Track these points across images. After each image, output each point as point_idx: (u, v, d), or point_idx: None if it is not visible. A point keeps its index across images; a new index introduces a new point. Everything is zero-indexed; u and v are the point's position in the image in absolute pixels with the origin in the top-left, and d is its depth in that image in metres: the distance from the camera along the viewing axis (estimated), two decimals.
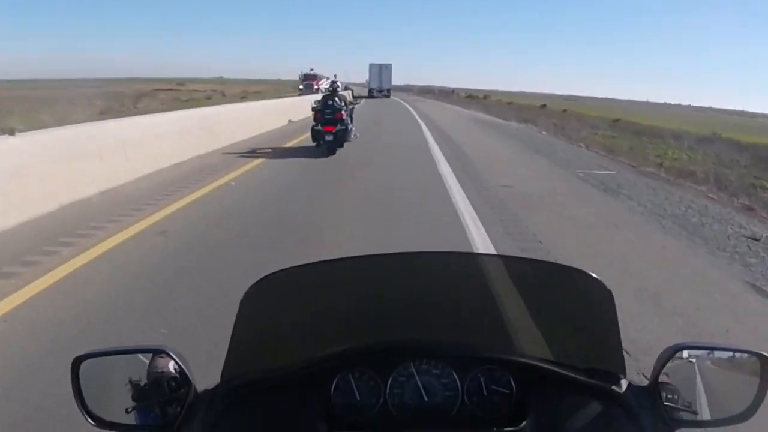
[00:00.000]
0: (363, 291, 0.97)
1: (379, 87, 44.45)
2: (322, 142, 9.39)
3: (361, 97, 24.30)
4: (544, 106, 45.46)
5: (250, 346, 0.88)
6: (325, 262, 0.93)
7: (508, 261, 1.07)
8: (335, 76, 10.47)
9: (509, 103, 44.85)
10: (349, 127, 9.73)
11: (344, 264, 0.96)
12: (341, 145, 9.64)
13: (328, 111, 9.42)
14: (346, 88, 14.81)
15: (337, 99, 9.63)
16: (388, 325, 0.92)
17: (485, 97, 65.40)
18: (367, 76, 45.75)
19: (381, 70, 44.48)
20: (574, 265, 0.94)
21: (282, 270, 0.89)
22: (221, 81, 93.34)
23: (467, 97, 67.13)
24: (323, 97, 9.82)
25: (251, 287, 0.87)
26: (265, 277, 0.88)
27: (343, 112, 9.45)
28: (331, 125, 9.32)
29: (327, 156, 9.29)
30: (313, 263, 0.93)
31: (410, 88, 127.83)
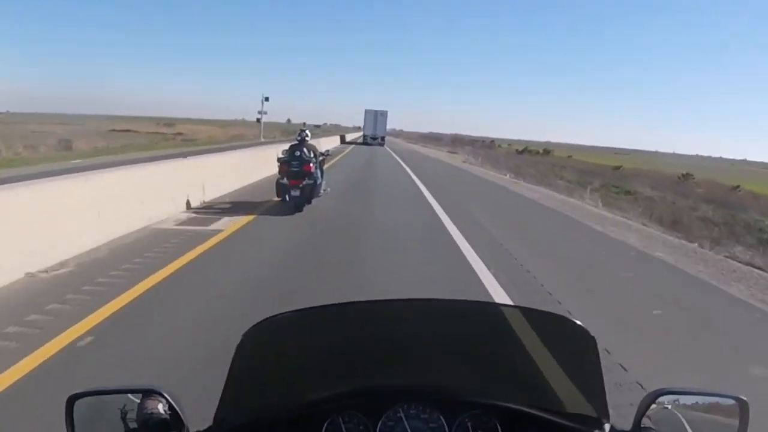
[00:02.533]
0: (354, 336, 1.01)
1: (374, 134, 44.26)
2: (287, 198, 8.46)
3: (352, 143, 25.01)
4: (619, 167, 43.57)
5: (244, 388, 0.90)
6: (320, 307, 0.97)
7: (494, 308, 1.20)
8: (304, 124, 9.64)
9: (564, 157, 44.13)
10: (318, 181, 8.81)
11: (337, 310, 1.01)
12: (309, 202, 8.69)
13: (295, 163, 8.59)
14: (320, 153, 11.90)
15: (305, 149, 8.79)
16: (378, 370, 0.96)
17: (546, 152, 62.07)
18: (362, 121, 46.15)
19: (376, 117, 44.45)
20: (560, 313, 1.00)
21: (278, 315, 0.93)
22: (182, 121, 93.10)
23: (521, 152, 61.25)
24: (290, 147, 8.97)
25: (248, 331, 0.90)
26: (261, 321, 0.91)
27: (311, 164, 8.59)
28: (298, 179, 8.44)
29: (293, 213, 8.33)
30: (308, 309, 0.96)
31: (409, 135, 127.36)
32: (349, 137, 51.45)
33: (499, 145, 71.68)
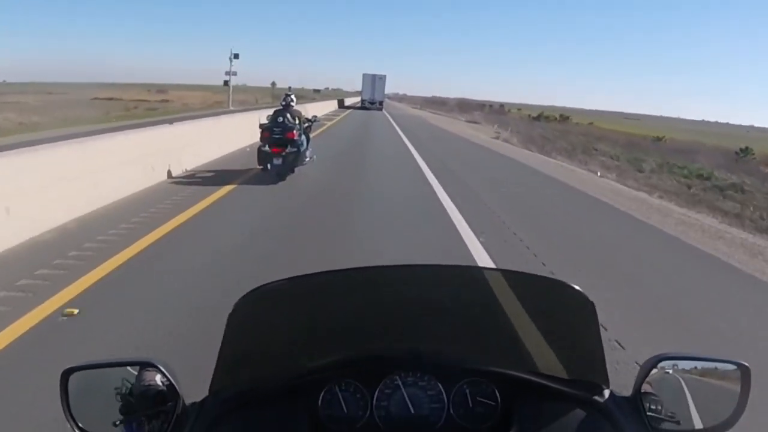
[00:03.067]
0: (350, 304, 0.99)
1: (372, 98, 43.47)
2: (269, 166, 8.00)
3: (350, 107, 24.03)
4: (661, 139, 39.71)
5: (238, 358, 0.89)
6: (312, 275, 0.94)
7: (492, 273, 1.12)
8: (289, 88, 9.07)
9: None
10: (302, 149, 8.33)
11: (331, 277, 0.98)
12: (292, 171, 8.25)
13: (277, 130, 8.08)
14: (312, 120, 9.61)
15: (289, 116, 8.25)
16: (375, 338, 0.95)
17: (564, 118, 56.10)
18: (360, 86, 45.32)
19: (374, 81, 43.40)
20: (559, 278, 0.97)
21: (270, 283, 0.90)
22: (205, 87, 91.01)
23: (536, 118, 54.63)
24: (274, 112, 8.43)
25: (240, 300, 0.88)
26: (253, 290, 0.89)
27: (295, 131, 8.07)
28: (280, 146, 7.96)
29: (276, 182, 7.89)
30: (301, 276, 0.93)
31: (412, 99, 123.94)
32: (348, 101, 50.27)
33: (509, 110, 66.12)
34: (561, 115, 62.63)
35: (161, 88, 65.91)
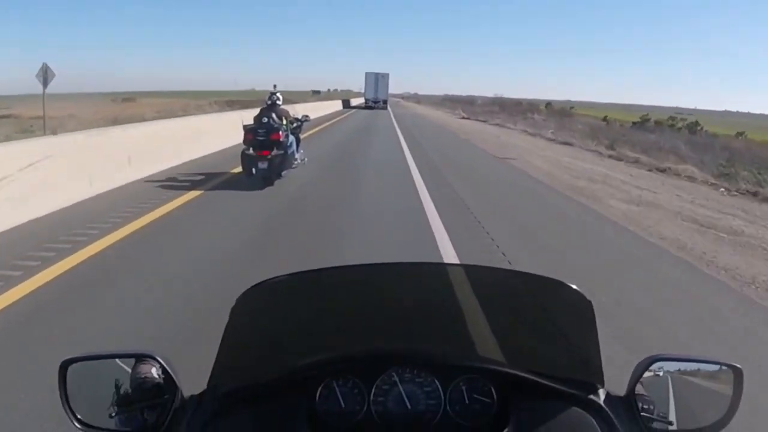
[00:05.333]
0: (349, 300, 1.02)
1: (375, 98, 43.27)
2: (254, 171, 7.41)
3: (354, 107, 22.13)
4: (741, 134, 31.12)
5: (238, 353, 0.91)
6: (314, 271, 0.97)
7: (490, 272, 1.15)
8: (274, 86, 8.47)
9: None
10: (290, 151, 7.76)
11: (332, 273, 1.02)
12: (279, 175, 7.66)
13: (261, 131, 7.61)
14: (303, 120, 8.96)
15: (274, 116, 7.74)
16: (373, 334, 0.97)
17: (694, 126, 32.96)
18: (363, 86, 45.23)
19: (377, 80, 43.25)
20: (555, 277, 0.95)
21: (271, 279, 0.93)
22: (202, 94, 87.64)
23: (641, 123, 37.37)
24: (259, 112, 7.90)
25: (242, 295, 0.90)
26: (255, 285, 0.91)
27: (281, 132, 7.55)
28: (265, 149, 7.41)
29: (263, 188, 7.44)
30: (302, 272, 0.96)
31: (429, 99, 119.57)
32: (356, 101, 49.61)
33: (572, 109, 52.95)
34: (689, 122, 41.78)
35: (129, 97, 62.25)
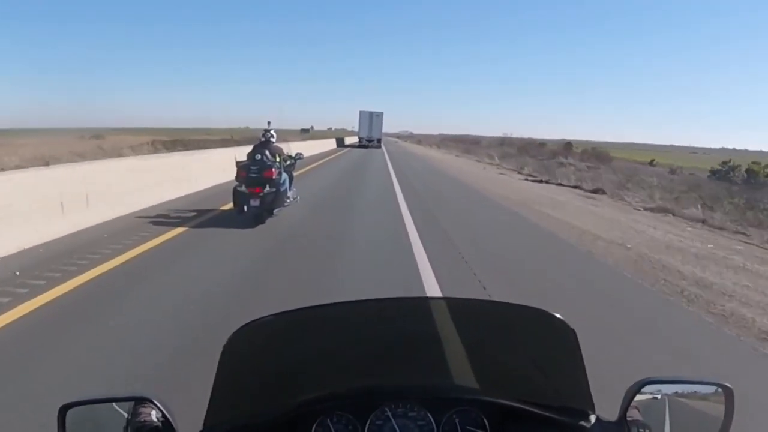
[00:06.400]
0: (338, 336, 1.02)
1: (369, 136, 43.53)
2: (245, 208, 7.25)
3: (348, 146, 18.56)
4: None
5: (232, 393, 0.92)
6: (304, 309, 0.98)
7: (474, 304, 1.14)
8: (269, 123, 8.45)
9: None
10: (282, 188, 7.66)
11: (322, 311, 1.01)
12: (271, 213, 7.51)
13: (254, 168, 7.54)
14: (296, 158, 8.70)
15: (267, 153, 7.66)
16: (364, 370, 0.98)
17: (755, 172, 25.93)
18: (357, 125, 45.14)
19: (371, 119, 43.66)
20: (539, 307, 0.98)
21: (262, 317, 0.95)
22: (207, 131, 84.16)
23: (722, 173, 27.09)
24: (252, 149, 7.84)
25: (232, 335, 0.91)
26: (246, 324, 0.93)
27: (274, 169, 7.47)
28: (257, 186, 7.27)
29: (255, 226, 7.38)
30: (292, 310, 0.97)
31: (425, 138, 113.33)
32: (350, 140, 49.50)
33: (574, 150, 44.80)
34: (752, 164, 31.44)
35: (98, 133, 58.58)
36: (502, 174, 22.79)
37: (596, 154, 40.23)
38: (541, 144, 55.33)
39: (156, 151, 22.56)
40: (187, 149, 18.04)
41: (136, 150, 23.23)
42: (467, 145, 59.03)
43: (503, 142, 62.29)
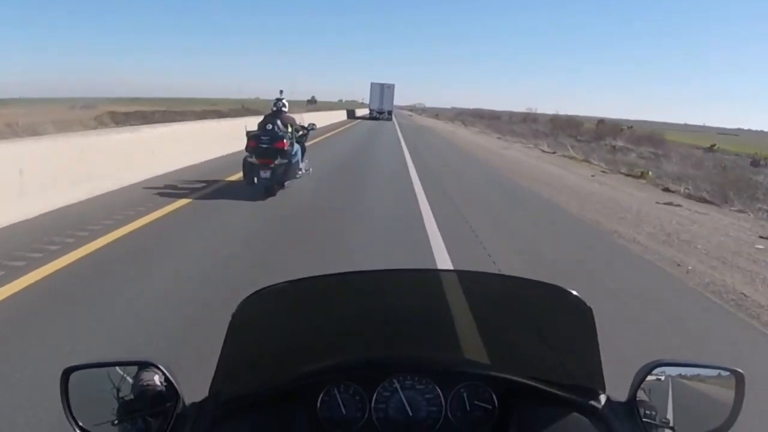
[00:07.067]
0: (350, 306, 1.02)
1: (380, 108, 43.31)
2: (256, 180, 7.01)
3: (359, 118, 17.43)
4: None
5: (239, 360, 0.91)
6: (315, 277, 0.97)
7: (490, 278, 1.17)
8: (281, 92, 8.14)
9: None
10: (294, 160, 7.44)
11: (334, 280, 1.01)
12: (282, 185, 7.28)
13: (265, 139, 7.29)
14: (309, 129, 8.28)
15: (279, 123, 7.39)
16: (374, 341, 0.98)
17: None
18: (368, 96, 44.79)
19: (383, 91, 43.34)
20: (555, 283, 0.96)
21: (272, 285, 0.93)
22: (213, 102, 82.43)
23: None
24: (263, 118, 7.56)
25: (242, 302, 0.91)
26: (255, 292, 0.92)
27: (285, 140, 7.21)
28: (268, 158, 7.05)
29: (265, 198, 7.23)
30: (303, 279, 0.96)
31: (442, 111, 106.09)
32: (360, 113, 49.18)
33: (621, 130, 37.78)
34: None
35: (89, 103, 56.87)
36: (594, 176, 13.41)
37: (643, 136, 33.39)
38: (571, 121, 47.91)
39: (99, 126, 18.68)
40: (147, 123, 13.93)
41: (70, 127, 18.11)
42: (488, 121, 55.47)
43: (526, 118, 59.42)
